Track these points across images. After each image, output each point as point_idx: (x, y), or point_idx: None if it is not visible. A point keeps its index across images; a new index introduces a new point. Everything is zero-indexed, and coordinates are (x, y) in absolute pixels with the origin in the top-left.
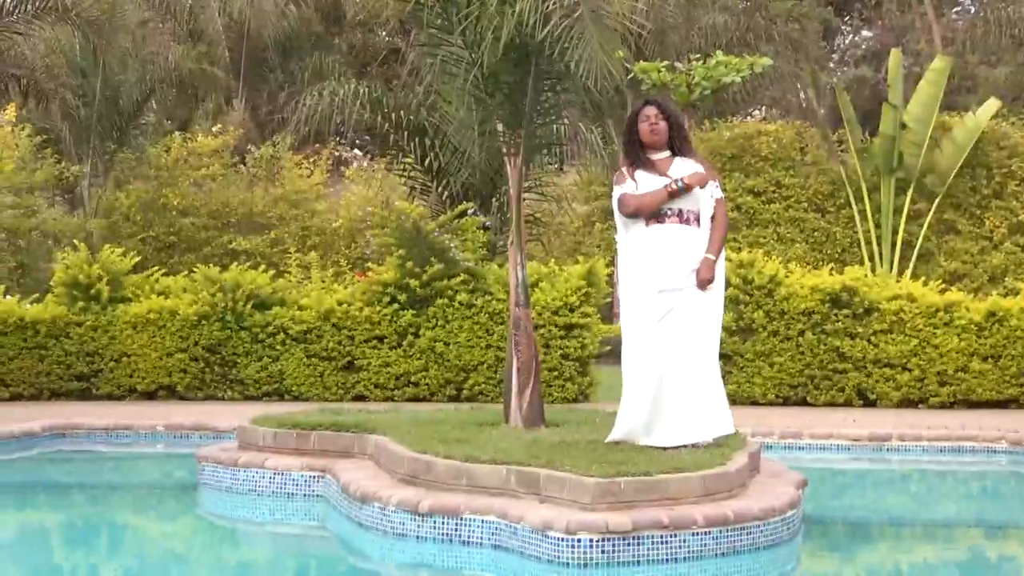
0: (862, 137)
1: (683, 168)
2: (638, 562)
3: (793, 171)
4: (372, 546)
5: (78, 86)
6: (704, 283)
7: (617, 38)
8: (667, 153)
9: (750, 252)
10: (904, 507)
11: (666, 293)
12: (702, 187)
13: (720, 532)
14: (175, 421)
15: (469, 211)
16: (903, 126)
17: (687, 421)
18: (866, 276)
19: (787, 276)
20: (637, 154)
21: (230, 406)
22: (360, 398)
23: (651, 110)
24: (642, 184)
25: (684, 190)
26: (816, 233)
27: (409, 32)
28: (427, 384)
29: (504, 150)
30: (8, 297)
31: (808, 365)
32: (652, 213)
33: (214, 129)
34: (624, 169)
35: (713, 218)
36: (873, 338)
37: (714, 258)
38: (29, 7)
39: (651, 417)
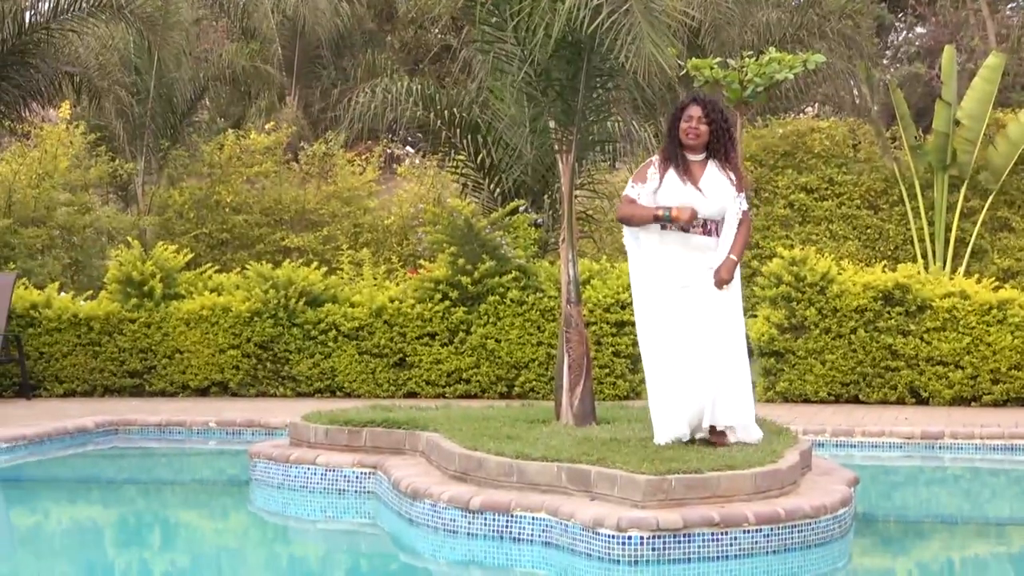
0: (916, 134)
1: (714, 177)
2: (689, 559)
3: (846, 168)
4: (423, 543)
5: (132, 83)
6: (722, 283)
7: (669, 33)
8: (703, 155)
9: (802, 249)
10: (956, 505)
11: (685, 288)
12: (687, 222)
13: (771, 530)
14: (227, 417)
15: (521, 208)
16: (957, 123)
17: (712, 407)
18: (919, 273)
19: (839, 273)
20: (675, 151)
21: (282, 402)
22: (411, 395)
23: (695, 111)
24: (666, 187)
25: (669, 220)
26: (869, 230)
27: (461, 29)
28: (478, 381)
29: (556, 147)
30: (62, 294)
31: (860, 363)
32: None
33: (267, 127)
34: (655, 163)
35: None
36: (926, 335)
37: (736, 259)
38: (84, 5)
39: (693, 412)
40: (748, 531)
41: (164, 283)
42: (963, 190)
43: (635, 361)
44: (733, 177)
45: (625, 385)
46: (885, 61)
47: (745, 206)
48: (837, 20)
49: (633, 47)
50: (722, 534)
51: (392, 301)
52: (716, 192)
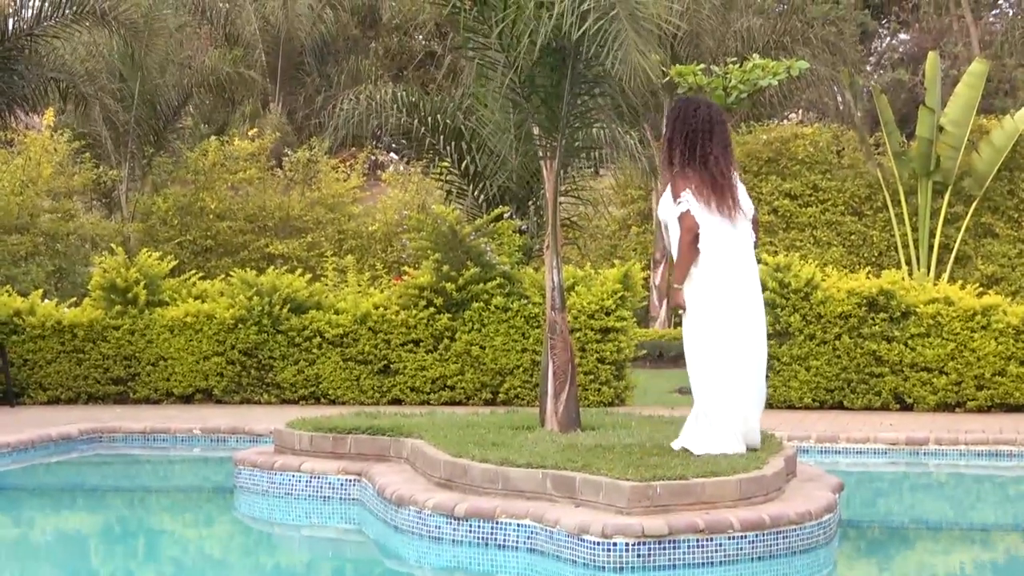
0: (901, 140)
1: (665, 194)
2: (674, 566)
3: (830, 174)
4: (408, 549)
5: (117, 90)
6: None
7: (654, 40)
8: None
9: (787, 255)
10: (941, 511)
11: None
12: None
13: (756, 536)
14: (212, 424)
15: (505, 215)
16: (940, 129)
17: None
18: (903, 279)
19: (824, 280)
20: None
21: (266, 409)
22: (396, 402)
23: None
24: None
25: None
26: (853, 236)
27: (445, 35)
28: (463, 388)
29: (540, 154)
30: (46, 301)
31: (845, 369)
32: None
33: (251, 133)
34: None
35: None
36: (910, 342)
37: (679, 287)
38: (67, 12)
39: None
40: (733, 537)
41: (148, 290)
42: (947, 196)
43: (619, 368)
44: (670, 194)
45: (609, 392)
46: (869, 67)
47: (677, 212)
48: (821, 27)
49: (619, 53)
50: (707, 540)
51: (376, 308)
52: (663, 210)
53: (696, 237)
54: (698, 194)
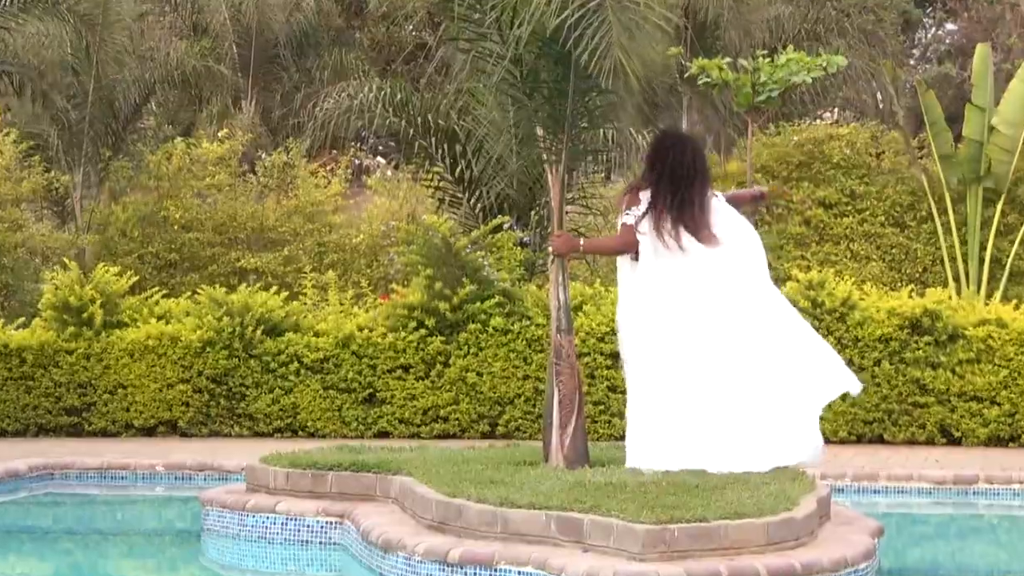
0: (952, 143)
1: None
2: None
3: (868, 180)
4: None
5: (68, 86)
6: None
7: (656, 32)
8: None
9: (820, 271)
10: (992, 558)
11: None
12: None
13: None
14: (176, 460)
15: (505, 225)
16: (991, 130)
17: None
18: (950, 298)
19: (861, 299)
20: None
21: (238, 443)
22: (383, 435)
23: None
24: None
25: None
26: (894, 250)
27: (438, 25)
28: (457, 419)
29: (544, 157)
30: None
31: (885, 398)
32: None
33: (220, 134)
34: None
35: None
36: (958, 368)
37: (581, 244)
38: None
39: None
40: None
41: (105, 309)
42: (999, 205)
43: None
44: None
45: (621, 424)
46: (912, 61)
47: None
48: (858, 14)
49: (601, 46)
50: None
51: (361, 330)
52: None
53: (632, 251)
54: (660, 226)
